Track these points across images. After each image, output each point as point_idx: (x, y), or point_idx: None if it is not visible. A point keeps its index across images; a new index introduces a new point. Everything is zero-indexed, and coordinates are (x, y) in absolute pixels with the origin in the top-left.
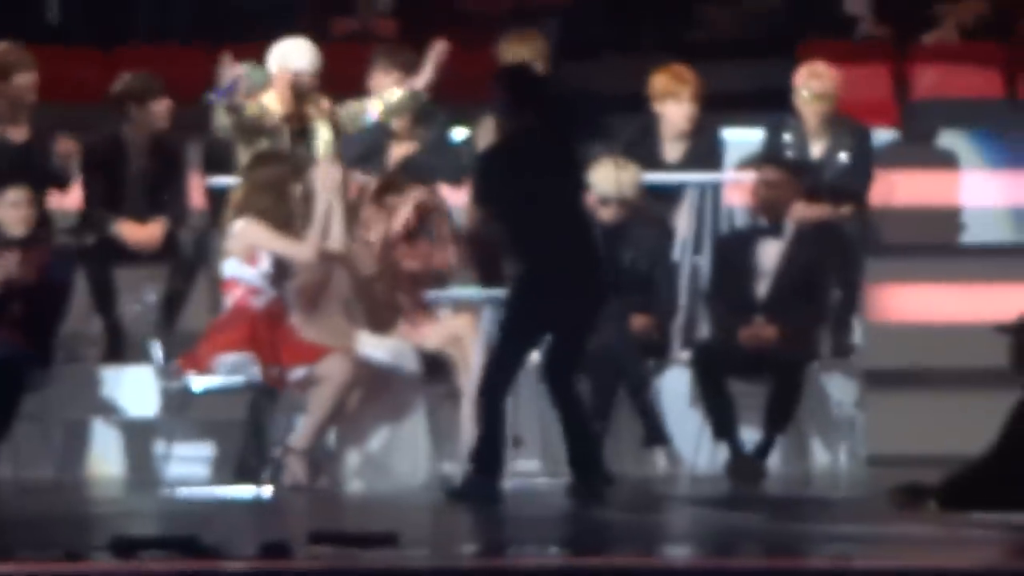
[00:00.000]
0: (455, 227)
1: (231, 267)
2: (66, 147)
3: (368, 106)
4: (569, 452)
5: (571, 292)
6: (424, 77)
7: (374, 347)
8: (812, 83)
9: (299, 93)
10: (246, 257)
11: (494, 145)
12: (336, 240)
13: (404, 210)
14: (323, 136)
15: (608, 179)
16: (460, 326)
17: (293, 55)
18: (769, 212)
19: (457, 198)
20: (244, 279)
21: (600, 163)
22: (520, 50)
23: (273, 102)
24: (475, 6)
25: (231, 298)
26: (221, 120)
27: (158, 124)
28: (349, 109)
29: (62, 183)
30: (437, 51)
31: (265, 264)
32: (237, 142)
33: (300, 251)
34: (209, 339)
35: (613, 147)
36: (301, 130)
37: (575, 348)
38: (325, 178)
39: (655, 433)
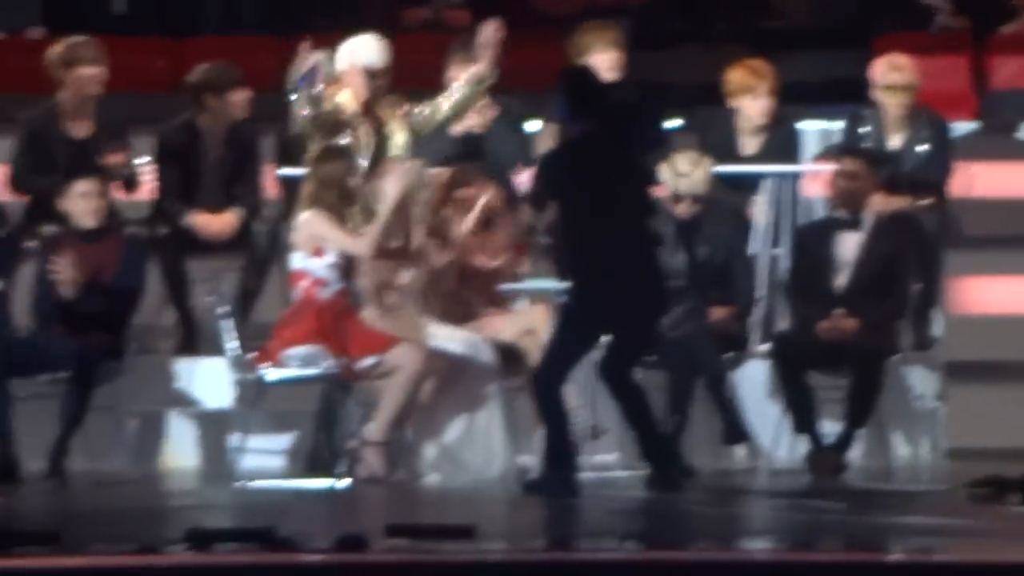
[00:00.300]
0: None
1: (298, 259)
2: (115, 158)
3: (439, 106)
4: (640, 446)
5: (629, 300)
6: (482, 62)
7: (448, 339)
8: (893, 75)
9: (372, 90)
10: (312, 249)
11: (552, 150)
12: (416, 239)
13: (474, 210)
14: (398, 138)
15: (681, 176)
16: (534, 318)
17: (363, 51)
18: (848, 204)
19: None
20: (310, 271)
21: (673, 159)
22: (595, 40)
23: (347, 99)
24: (547, 5)
25: (298, 290)
26: (299, 115)
27: (236, 114)
28: (422, 112)
29: (129, 186)
30: (487, 33)
31: (331, 256)
32: (313, 137)
33: (357, 247)
34: (278, 333)
35: (687, 142)
36: (377, 128)
37: (632, 352)
38: (397, 179)
39: (735, 430)
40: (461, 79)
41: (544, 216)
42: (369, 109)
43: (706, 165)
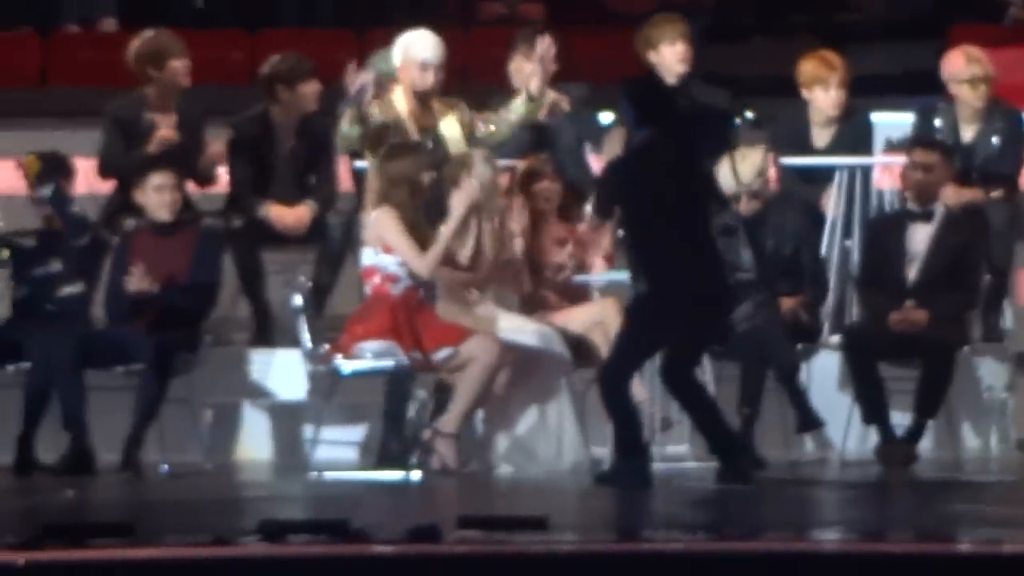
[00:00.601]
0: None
1: (368, 255)
2: (216, 151)
3: (501, 124)
4: (708, 441)
5: (692, 306)
6: (536, 79)
7: (520, 331)
8: (974, 68)
9: (426, 84)
10: (383, 245)
11: (618, 157)
12: (488, 253)
13: (547, 207)
14: (452, 137)
15: (727, 174)
16: (604, 311)
17: (417, 45)
18: (920, 195)
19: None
20: (381, 267)
21: (729, 157)
22: (663, 33)
23: (400, 97)
24: (619, 3)
25: (370, 285)
26: (345, 131)
27: (307, 106)
28: (488, 128)
29: (206, 179)
30: (541, 47)
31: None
32: (364, 152)
33: (417, 263)
34: (351, 328)
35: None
36: (426, 128)
37: (693, 354)
38: (464, 195)
39: (808, 418)
40: (520, 100)
41: (607, 221)
42: (422, 104)
43: (753, 159)
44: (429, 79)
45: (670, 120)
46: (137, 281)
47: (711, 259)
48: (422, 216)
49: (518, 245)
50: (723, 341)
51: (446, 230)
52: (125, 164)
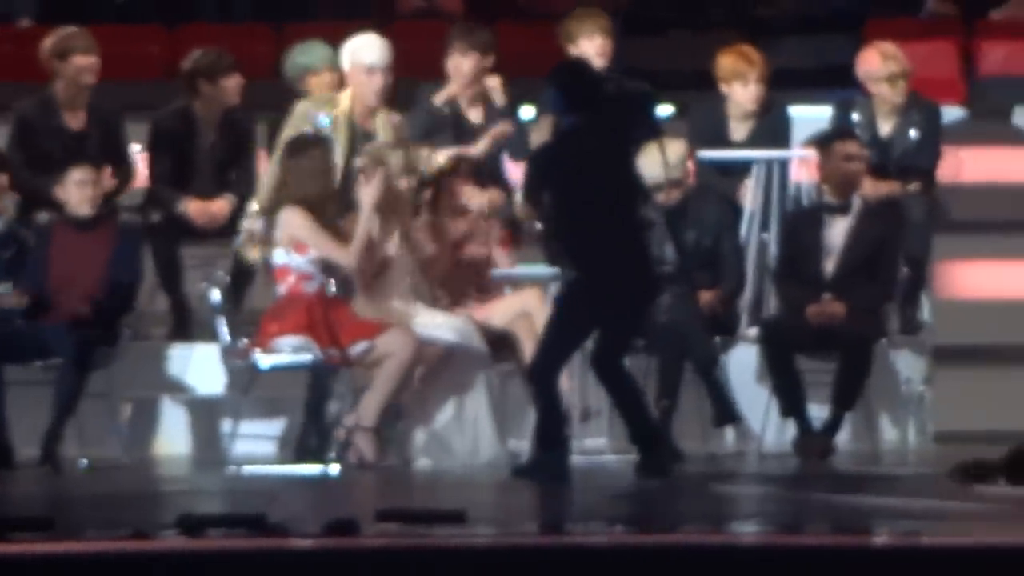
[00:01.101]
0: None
1: (280, 255)
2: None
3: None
4: (629, 431)
5: (621, 292)
6: (478, 150)
7: (437, 327)
8: (891, 65)
9: (374, 89)
10: (294, 244)
11: (546, 143)
12: (391, 249)
13: (476, 207)
14: (381, 137)
15: (654, 164)
16: (528, 302)
17: (364, 51)
18: (840, 188)
19: (520, 175)
20: (294, 266)
21: (649, 147)
22: (584, 27)
23: (346, 100)
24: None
25: (284, 285)
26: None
27: (230, 100)
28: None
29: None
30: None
31: (313, 251)
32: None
33: (341, 257)
34: (266, 326)
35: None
36: (365, 133)
37: (623, 341)
38: (371, 187)
39: (726, 411)
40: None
41: (538, 209)
42: (367, 108)
43: (676, 147)
44: (377, 82)
45: (597, 105)
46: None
47: (639, 244)
48: (331, 209)
49: (439, 240)
50: (644, 328)
51: (362, 220)
52: (28, 179)
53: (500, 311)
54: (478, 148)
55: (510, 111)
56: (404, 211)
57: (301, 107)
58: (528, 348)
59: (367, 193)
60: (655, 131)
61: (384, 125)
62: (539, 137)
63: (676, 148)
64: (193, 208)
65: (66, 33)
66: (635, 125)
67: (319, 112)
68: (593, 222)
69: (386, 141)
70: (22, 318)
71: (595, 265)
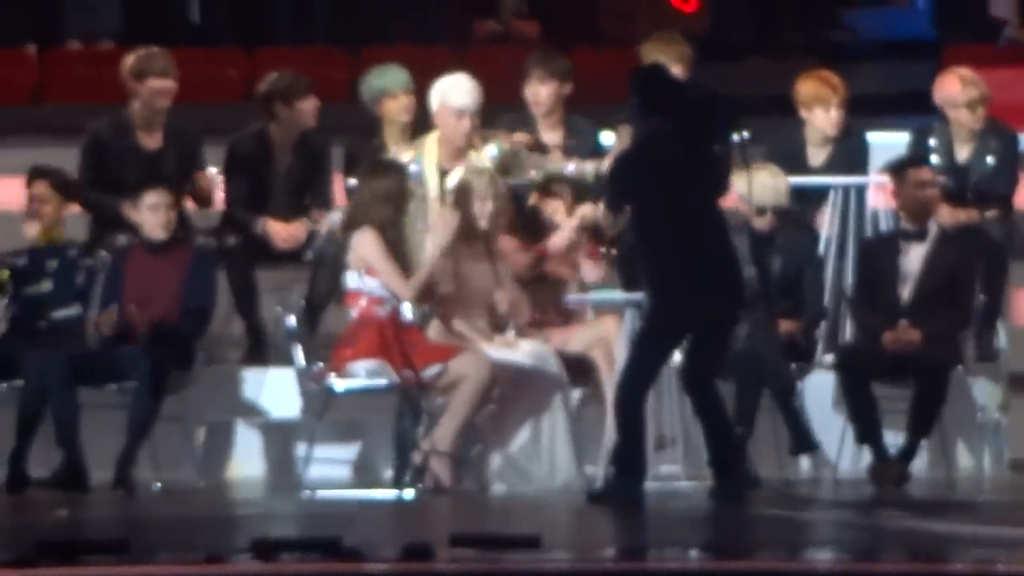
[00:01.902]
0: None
1: (352, 278)
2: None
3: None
4: (710, 455)
5: (708, 296)
6: (522, 138)
7: (514, 350)
8: (969, 91)
9: (461, 131)
10: (366, 268)
11: (625, 150)
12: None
13: (568, 225)
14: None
15: (766, 189)
16: (605, 328)
17: (452, 92)
18: (916, 214)
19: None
20: (367, 290)
21: (756, 172)
22: (661, 54)
23: (433, 143)
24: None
25: (356, 309)
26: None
27: (306, 123)
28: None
29: (204, 202)
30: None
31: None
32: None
33: (400, 290)
34: (340, 351)
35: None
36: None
37: (714, 352)
38: (444, 227)
39: (803, 440)
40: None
41: (619, 219)
42: (456, 149)
43: (785, 178)
44: (465, 126)
45: (677, 109)
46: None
47: (724, 249)
48: (403, 235)
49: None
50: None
51: (428, 260)
52: (98, 200)
53: (578, 336)
54: (567, 167)
55: (591, 137)
56: (486, 235)
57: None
58: (605, 375)
59: (439, 234)
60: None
61: (480, 160)
62: (620, 146)
63: (778, 175)
64: (271, 227)
65: (145, 54)
66: (716, 127)
67: (407, 160)
68: (676, 227)
69: (477, 167)
70: (103, 341)
71: (679, 271)
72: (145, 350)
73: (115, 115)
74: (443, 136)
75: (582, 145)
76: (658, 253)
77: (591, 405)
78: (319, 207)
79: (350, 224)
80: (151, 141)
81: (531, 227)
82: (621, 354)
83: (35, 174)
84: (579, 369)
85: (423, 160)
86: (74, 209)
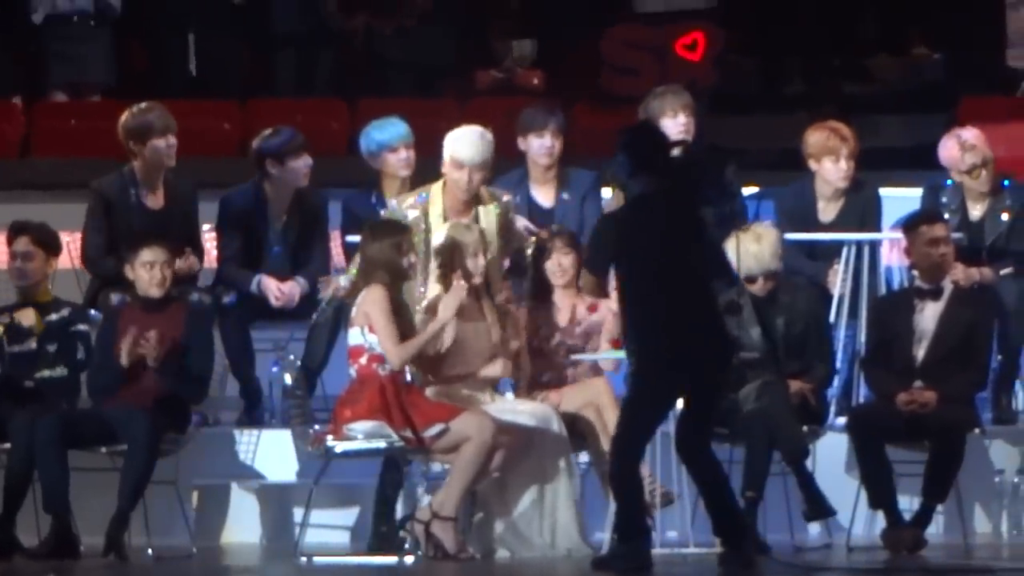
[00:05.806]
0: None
1: (355, 335)
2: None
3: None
4: (713, 522)
5: (696, 358)
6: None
7: (516, 411)
8: (969, 158)
9: (466, 185)
10: (369, 325)
11: (612, 211)
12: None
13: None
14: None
15: (748, 256)
16: (596, 390)
17: (460, 145)
18: (930, 272)
19: None
20: (369, 346)
21: (738, 237)
22: (667, 105)
23: (439, 193)
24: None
25: (356, 366)
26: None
27: (297, 182)
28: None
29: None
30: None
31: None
32: None
33: (391, 354)
34: (340, 411)
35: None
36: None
37: (703, 418)
38: (451, 300)
39: (819, 505)
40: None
41: (601, 278)
42: (462, 202)
43: (771, 239)
44: (466, 179)
45: (666, 167)
46: (128, 349)
47: (711, 310)
48: (403, 299)
49: (517, 325)
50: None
51: (430, 329)
52: (106, 265)
53: (569, 398)
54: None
55: (593, 191)
56: (478, 291)
57: (392, 205)
58: (601, 436)
59: (446, 305)
60: (726, 194)
61: (487, 215)
62: (610, 206)
63: (770, 238)
64: (268, 284)
65: (142, 111)
66: (706, 188)
67: (408, 211)
68: (663, 288)
69: (464, 223)
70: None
71: (667, 332)
72: (138, 411)
73: (119, 172)
74: (448, 187)
75: (576, 199)
76: (645, 313)
77: (592, 469)
78: (317, 271)
79: (356, 288)
80: (154, 200)
81: (535, 288)
82: (613, 416)
83: (17, 229)
84: (574, 431)
85: (428, 206)
86: (63, 264)
